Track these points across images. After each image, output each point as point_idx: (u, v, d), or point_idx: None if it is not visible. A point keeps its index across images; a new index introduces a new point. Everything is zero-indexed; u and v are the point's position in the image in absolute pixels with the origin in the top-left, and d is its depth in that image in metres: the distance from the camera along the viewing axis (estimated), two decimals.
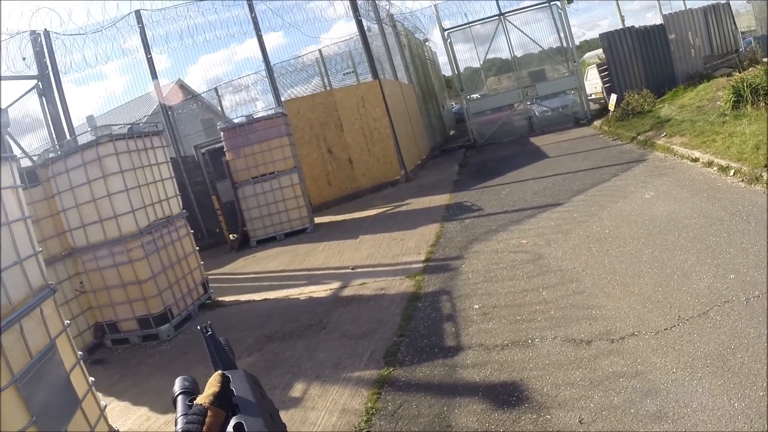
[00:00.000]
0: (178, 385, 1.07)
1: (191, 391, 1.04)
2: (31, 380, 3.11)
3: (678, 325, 3.75)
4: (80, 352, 4.50)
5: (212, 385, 0.95)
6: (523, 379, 3.54)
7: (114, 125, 6.41)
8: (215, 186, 10.95)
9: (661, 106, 13.43)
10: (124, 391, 5.26)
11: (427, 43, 24.10)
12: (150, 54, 11.28)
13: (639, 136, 11.16)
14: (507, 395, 3.42)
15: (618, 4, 17.77)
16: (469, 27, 17.39)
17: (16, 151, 10.54)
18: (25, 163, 6.69)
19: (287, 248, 9.78)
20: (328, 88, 18.06)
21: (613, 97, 14.68)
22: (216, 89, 18.43)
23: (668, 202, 6.62)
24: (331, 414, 3.79)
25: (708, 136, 8.81)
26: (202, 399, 0.92)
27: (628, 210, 6.75)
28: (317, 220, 11.64)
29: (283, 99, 19.21)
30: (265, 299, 7.02)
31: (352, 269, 7.33)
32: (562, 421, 3.02)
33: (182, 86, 24.70)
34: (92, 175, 5.92)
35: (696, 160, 8.21)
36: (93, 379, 4.06)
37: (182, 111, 19.13)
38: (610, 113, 14.60)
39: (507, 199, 9.15)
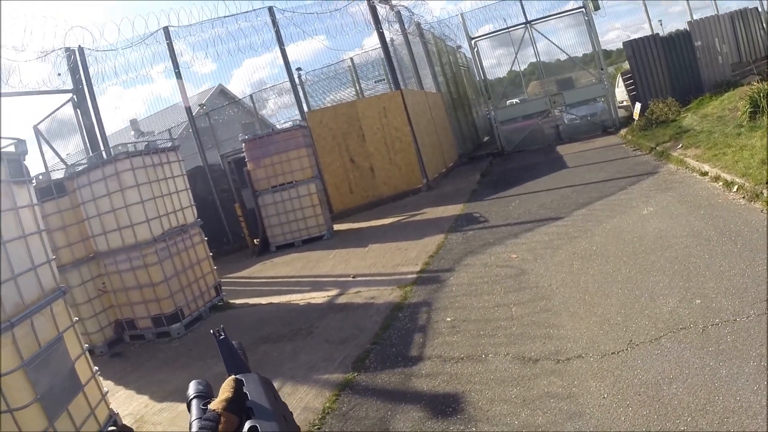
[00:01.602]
0: (192, 389, 1.09)
1: (205, 395, 1.07)
2: (38, 366, 3.70)
3: (626, 349, 3.83)
4: (96, 345, 5.11)
5: (225, 390, 0.97)
6: (465, 392, 3.83)
7: (135, 141, 7.03)
8: (240, 193, 11.55)
9: (685, 115, 13.19)
10: (133, 381, 5.87)
11: (461, 50, 24.29)
12: (178, 68, 12.01)
13: (657, 147, 11.05)
14: (445, 406, 3.73)
15: (646, 9, 17.56)
16: (496, 35, 17.59)
17: (54, 160, 11.49)
18: (56, 173, 7.31)
19: (302, 254, 10.28)
20: (360, 95, 18.59)
21: (637, 106, 14.50)
22: (251, 96, 18.97)
23: (663, 219, 6.66)
24: (294, 410, 4.19)
25: (720, 148, 8.67)
26: (216, 405, 0.95)
27: (622, 226, 6.83)
28: (337, 227, 12.11)
29: (318, 105, 19.83)
30: (270, 303, 7.51)
31: (353, 277, 7.73)
32: None
33: (222, 91, 25.60)
34: (111, 187, 6.56)
35: (705, 173, 8.12)
36: (97, 368, 4.68)
37: (218, 117, 19.77)
38: (635, 122, 14.46)
39: (514, 211, 9.36)
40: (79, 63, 10.87)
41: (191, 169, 13.18)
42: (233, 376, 1.00)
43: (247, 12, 12.10)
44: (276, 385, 3.93)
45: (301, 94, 20.59)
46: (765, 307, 3.80)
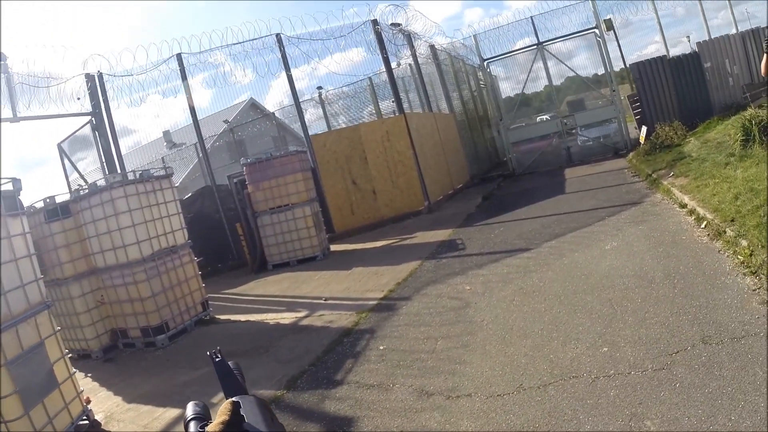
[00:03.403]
0: (190, 411, 1.11)
1: (202, 417, 1.09)
2: (19, 365, 4.57)
3: (512, 393, 4.05)
4: (93, 350, 6.22)
5: (223, 413, 0.98)
6: (359, 418, 4.28)
7: (135, 170, 7.90)
8: (245, 213, 12.37)
9: (689, 140, 13.03)
10: (114, 384, 6.67)
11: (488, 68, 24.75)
12: (190, 93, 13.01)
13: (653, 174, 11.01)
14: (339, 427, 4.22)
15: (661, 30, 17.63)
16: (509, 56, 18.00)
17: (74, 176, 12.60)
18: (62, 196, 8.22)
19: (293, 274, 10.94)
20: (378, 115, 19.25)
21: (644, 130, 14.40)
22: (275, 112, 19.65)
23: (620, 256, 6.77)
24: None
25: (705, 179, 8.55)
26: (213, 427, 0.96)
27: (579, 262, 7.01)
28: (335, 247, 12.76)
29: (338, 124, 20.58)
30: (248, 321, 8.21)
31: (324, 300, 8.33)
32: None
33: (254, 105, 26.60)
34: (107, 212, 7.47)
35: (684, 206, 8.07)
36: (75, 370, 5.61)
37: (242, 133, 20.56)
38: (640, 146, 14.45)
39: (493, 239, 9.74)
40: (98, 87, 11.98)
41: (199, 189, 14.15)
42: (231, 400, 1.04)
43: (254, 39, 12.98)
44: (219, 396, 4.71)
45: (319, 112, 21.46)
46: (664, 362, 3.89)
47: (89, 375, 7.25)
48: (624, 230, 7.96)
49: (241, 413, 0.98)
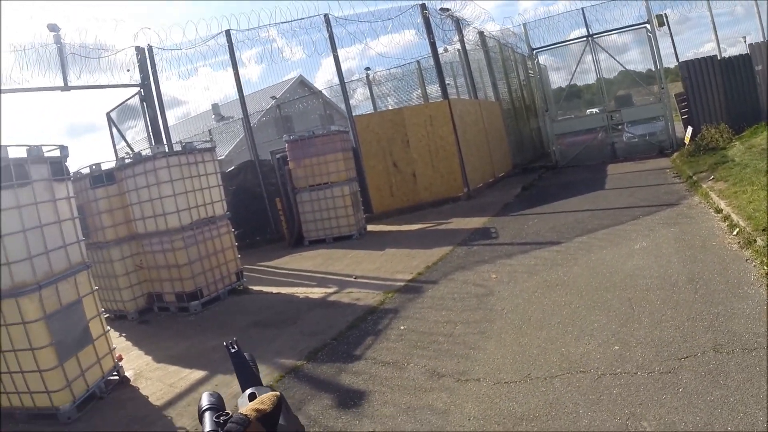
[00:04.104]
0: (205, 401, 1.09)
1: (217, 408, 1.08)
2: (57, 320, 4.92)
3: (519, 381, 4.14)
4: (129, 312, 6.79)
5: (264, 402, 0.98)
6: (371, 392, 4.50)
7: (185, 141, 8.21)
8: (286, 188, 12.67)
9: (734, 144, 12.66)
10: (147, 344, 7.10)
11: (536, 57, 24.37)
12: (237, 69, 13.34)
13: (693, 176, 10.77)
14: (352, 400, 4.43)
15: (715, 29, 16.97)
16: (557, 47, 17.68)
17: (122, 144, 13.13)
18: (108, 164, 8.62)
19: (327, 251, 11.23)
20: (425, 99, 19.24)
21: (689, 130, 14.02)
22: (323, 90, 19.82)
23: (647, 257, 6.73)
24: None
25: (744, 185, 8.39)
26: (248, 411, 0.95)
27: (606, 259, 7.00)
28: (371, 227, 12.97)
29: (382, 107, 20.69)
30: (279, 293, 8.51)
31: (354, 278, 8.55)
32: (358, 428, 3.97)
33: (302, 82, 26.88)
34: (150, 181, 7.83)
35: (720, 211, 7.91)
36: (109, 328, 6.00)
37: (288, 110, 20.85)
38: (685, 147, 14.10)
39: (526, 230, 9.75)
40: (147, 60, 12.44)
41: (243, 162, 14.55)
42: (276, 393, 1.03)
43: (302, 19, 13.18)
44: None
45: (367, 92, 21.61)
46: (672, 366, 3.90)
47: (123, 335, 7.71)
48: (656, 231, 7.88)
49: (281, 411, 0.97)
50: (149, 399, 5.24)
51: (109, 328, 5.93)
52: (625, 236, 7.93)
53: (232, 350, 1.27)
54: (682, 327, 4.55)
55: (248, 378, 1.26)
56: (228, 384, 5.23)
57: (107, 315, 8.29)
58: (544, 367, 4.35)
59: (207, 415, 1.06)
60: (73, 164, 6.46)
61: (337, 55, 13.69)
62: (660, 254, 6.76)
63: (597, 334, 4.78)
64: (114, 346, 5.87)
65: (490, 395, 4.08)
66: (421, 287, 7.42)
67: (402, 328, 6.00)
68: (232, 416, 0.98)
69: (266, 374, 5.29)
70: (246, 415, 0.96)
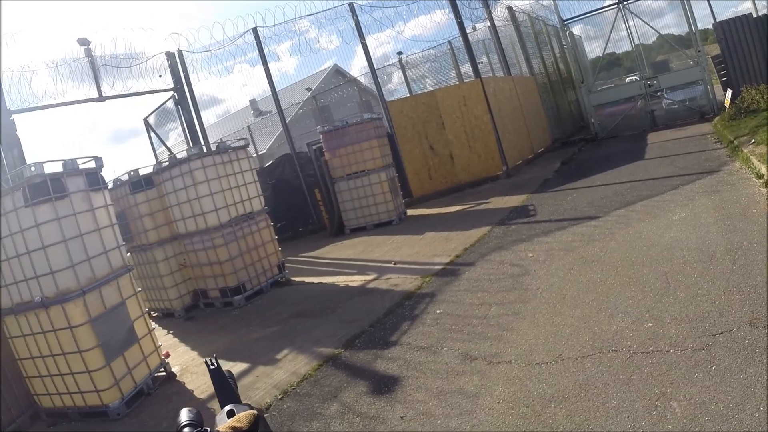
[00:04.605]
0: (184, 416, 1.13)
1: (196, 424, 1.08)
2: (102, 322, 5.19)
3: (551, 362, 4.12)
4: (176, 310, 6.93)
5: (241, 420, 0.98)
6: (404, 377, 4.60)
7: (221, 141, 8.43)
8: (324, 179, 12.83)
9: None
10: (192, 340, 7.46)
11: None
12: (267, 65, 13.53)
13: (734, 141, 10.33)
14: (384, 386, 4.54)
15: None
16: (588, 17, 17.13)
17: (161, 148, 13.52)
18: (145, 169, 8.95)
19: (367, 239, 11.38)
20: (459, 79, 19.03)
21: (728, 93, 13.31)
22: (359, 77, 19.90)
23: (685, 228, 6.55)
24: (286, 372, 5.37)
25: None
26: (224, 428, 0.96)
27: (643, 232, 6.86)
28: (411, 212, 13.03)
29: (420, 89, 20.59)
30: (320, 283, 8.70)
31: (393, 264, 8.64)
32: (390, 413, 4.07)
33: (338, 71, 26.98)
34: (186, 182, 8.11)
35: (761, 176, 7.57)
36: (154, 326, 6.29)
37: (324, 100, 20.97)
38: (725, 111, 13.44)
39: (564, 206, 9.58)
40: (178, 63, 12.76)
41: (281, 156, 14.80)
42: (254, 411, 1.05)
43: (327, 10, 13.22)
44: (284, 352, 5.34)
45: (401, 76, 21.52)
46: (706, 342, 3.80)
47: (171, 332, 8.07)
48: (695, 200, 7.63)
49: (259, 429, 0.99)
50: (194, 393, 5.50)
51: (154, 326, 6.23)
52: (663, 207, 7.71)
53: (212, 367, 1.29)
54: (718, 301, 4.41)
55: (227, 395, 1.25)
56: (269, 374, 5.45)
57: (156, 314, 8.70)
58: (576, 347, 4.32)
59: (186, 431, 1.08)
60: (120, 169, 6.78)
61: (365, 43, 13.72)
62: (698, 224, 6.56)
63: (631, 311, 4.70)
64: (160, 343, 6.17)
65: (520, 377, 4.09)
66: (458, 270, 7.44)
67: (438, 311, 6.05)
68: None
69: (305, 363, 5.48)
70: None
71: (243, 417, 1.02)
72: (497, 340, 4.87)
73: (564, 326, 4.79)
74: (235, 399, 1.23)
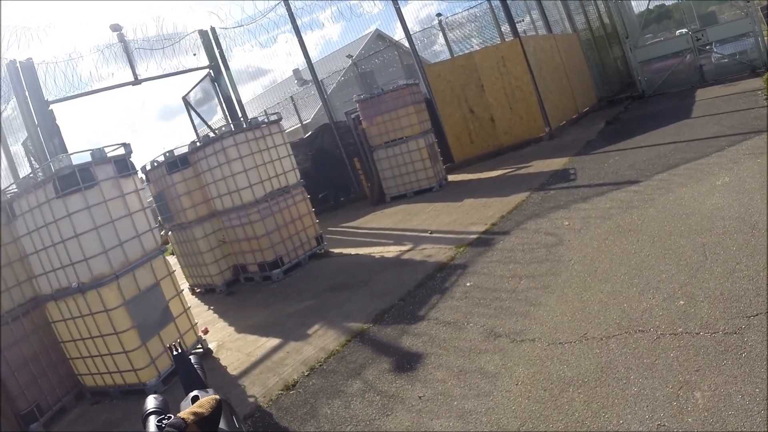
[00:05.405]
0: (150, 404, 1.11)
1: (161, 411, 1.09)
2: (137, 304, 5.41)
3: (575, 342, 4.03)
4: (217, 285, 7.26)
5: (203, 405, 0.98)
6: (428, 354, 4.65)
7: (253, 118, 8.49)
8: (363, 148, 12.81)
9: None
10: (230, 315, 7.79)
11: None
12: (300, 36, 13.46)
13: None
14: (408, 363, 4.63)
15: None
16: None
17: (202, 126, 13.73)
18: (181, 149, 9.11)
19: (407, 206, 11.37)
20: (502, 39, 18.45)
21: None
22: (400, 41, 19.62)
23: (728, 194, 6.19)
24: (315, 348, 5.54)
25: None
26: (186, 414, 0.96)
27: (684, 198, 6.56)
28: (452, 177, 12.89)
29: (465, 50, 20.09)
30: (357, 254, 8.81)
31: (430, 233, 8.62)
32: (409, 393, 4.14)
33: (380, 35, 26.60)
34: (220, 160, 8.26)
35: None
36: (190, 304, 6.46)
37: (366, 66, 20.73)
38: None
39: (606, 169, 9.23)
40: (212, 40, 12.83)
41: (320, 126, 14.81)
42: (215, 396, 1.05)
43: None
44: (316, 327, 5.68)
45: (442, 40, 21.01)
46: (738, 325, 3.59)
47: (212, 308, 8.38)
48: (740, 163, 7.15)
49: (222, 418, 0.98)
50: (227, 369, 5.74)
51: (189, 305, 6.47)
52: (707, 171, 7.31)
53: (175, 353, 1.29)
54: (756, 278, 4.14)
55: (193, 381, 1.27)
56: (299, 350, 5.62)
57: (199, 290, 8.99)
58: (603, 325, 4.19)
59: (150, 419, 1.10)
60: (169, 146, 6.96)
61: (399, 7, 13.39)
62: (743, 190, 6.16)
63: (663, 287, 4.50)
64: (196, 321, 6.41)
65: (542, 357, 4.02)
66: (492, 239, 7.37)
67: (468, 284, 6.03)
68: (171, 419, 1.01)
69: (334, 339, 5.61)
70: (183, 419, 0.99)
71: (205, 402, 1.04)
72: (523, 317, 4.81)
73: (592, 302, 4.67)
74: (200, 385, 1.28)
